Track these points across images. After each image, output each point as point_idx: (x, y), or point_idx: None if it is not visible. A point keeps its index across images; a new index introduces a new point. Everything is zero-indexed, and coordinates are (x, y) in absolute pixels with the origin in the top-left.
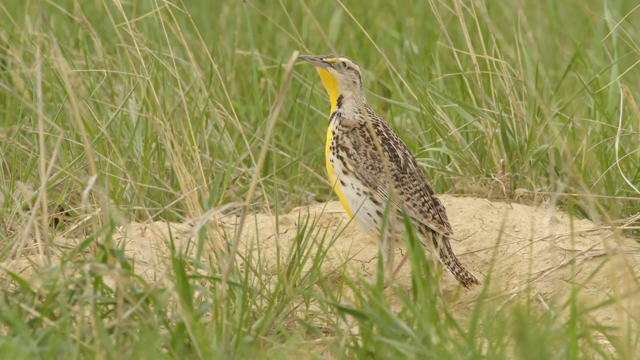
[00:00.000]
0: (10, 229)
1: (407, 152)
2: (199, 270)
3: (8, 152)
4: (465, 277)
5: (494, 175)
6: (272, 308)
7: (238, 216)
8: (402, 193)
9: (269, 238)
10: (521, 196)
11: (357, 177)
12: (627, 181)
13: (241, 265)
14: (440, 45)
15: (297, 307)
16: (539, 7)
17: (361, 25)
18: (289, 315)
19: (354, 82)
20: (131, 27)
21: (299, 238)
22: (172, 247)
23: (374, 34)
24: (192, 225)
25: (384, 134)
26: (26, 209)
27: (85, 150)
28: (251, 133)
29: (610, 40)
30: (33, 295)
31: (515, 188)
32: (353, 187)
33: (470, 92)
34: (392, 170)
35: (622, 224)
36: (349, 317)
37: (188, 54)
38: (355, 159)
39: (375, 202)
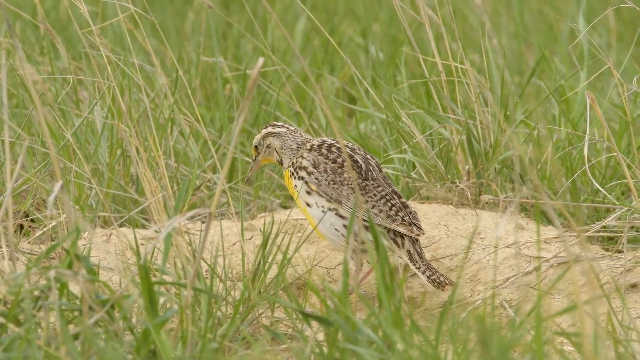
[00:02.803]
0: None
1: (368, 157)
2: (164, 277)
3: None
4: (438, 280)
5: (459, 182)
6: (237, 314)
7: (203, 222)
8: (366, 201)
9: (234, 244)
10: (486, 203)
11: (321, 195)
12: (596, 185)
13: (206, 271)
14: (406, 52)
15: (262, 313)
16: (504, 14)
17: (326, 32)
18: (254, 322)
19: (276, 139)
20: (96, 33)
21: (264, 244)
22: (138, 254)
23: (340, 40)
24: (157, 232)
25: (336, 144)
26: None
27: (51, 157)
28: (216, 139)
29: (575, 47)
30: None
31: (480, 195)
32: (318, 206)
33: (435, 98)
34: (351, 180)
35: (587, 231)
36: (314, 324)
37: (153, 60)
38: (316, 177)
39: (341, 216)
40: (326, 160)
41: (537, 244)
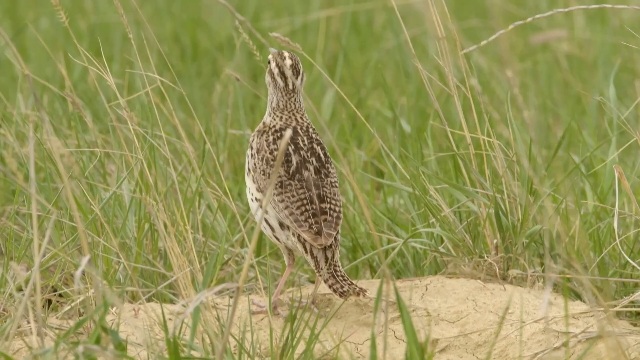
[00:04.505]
0: (4, 309)
1: (320, 154)
2: (193, 352)
3: (1, 233)
4: (341, 289)
5: (487, 256)
6: None
7: (231, 297)
8: (282, 200)
9: (262, 319)
10: (514, 277)
11: (253, 181)
12: (626, 257)
13: (234, 346)
14: (434, 125)
15: None
16: (532, 88)
17: (353, 105)
18: None
19: (271, 81)
20: (123, 105)
21: (292, 320)
22: (166, 329)
23: (367, 113)
24: (185, 307)
25: (295, 139)
26: (19, 289)
27: (79, 231)
28: (244, 213)
29: (603, 120)
30: None
31: (508, 269)
32: (250, 191)
33: (463, 171)
34: (278, 177)
35: (616, 306)
36: None
37: (181, 133)
38: (255, 163)
39: (266, 212)
40: (267, 149)
41: (566, 319)
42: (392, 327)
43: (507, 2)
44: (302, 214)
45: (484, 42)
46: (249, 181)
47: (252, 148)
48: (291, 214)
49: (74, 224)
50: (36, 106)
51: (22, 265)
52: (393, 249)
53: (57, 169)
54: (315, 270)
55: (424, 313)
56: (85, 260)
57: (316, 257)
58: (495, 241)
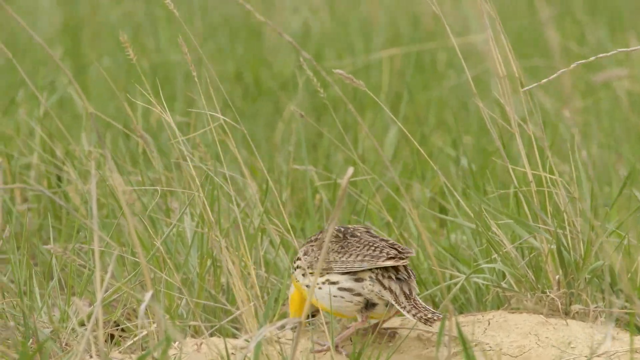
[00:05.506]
0: (66, 344)
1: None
2: None
3: (64, 268)
4: (425, 317)
5: (550, 292)
6: None
7: (294, 331)
8: (350, 255)
9: (325, 354)
10: (577, 312)
11: (304, 274)
12: None
13: None
14: (496, 162)
15: None
16: (594, 125)
17: (416, 142)
18: None
19: None
20: (186, 144)
21: (354, 356)
22: None
23: (430, 150)
24: (247, 341)
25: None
26: (82, 324)
27: (141, 266)
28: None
29: None
30: None
31: (570, 304)
32: (315, 285)
33: (525, 208)
34: (333, 245)
35: None
36: None
37: (243, 170)
38: (309, 261)
39: (333, 282)
40: (313, 244)
41: (631, 353)
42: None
43: (568, 40)
44: (374, 251)
45: (544, 80)
46: (307, 279)
47: (297, 259)
48: (365, 256)
49: (136, 259)
50: (99, 143)
51: (84, 300)
52: (455, 284)
53: (119, 204)
54: (395, 304)
55: (487, 347)
56: (149, 295)
57: (395, 292)
58: (557, 277)
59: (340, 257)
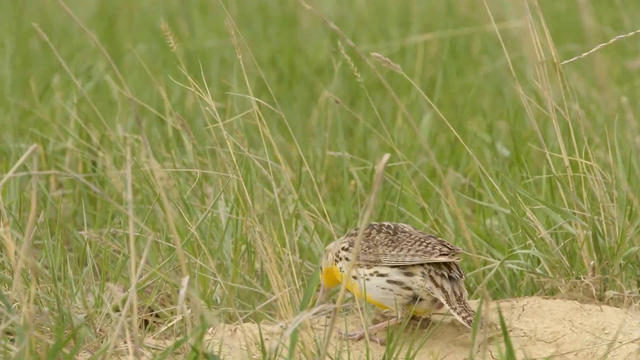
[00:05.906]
0: (100, 330)
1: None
2: None
3: (98, 254)
4: (470, 319)
5: (584, 277)
6: None
7: (328, 317)
8: (401, 249)
9: (359, 340)
10: (611, 298)
11: (361, 266)
12: None
13: None
14: (531, 147)
15: None
16: (631, 110)
17: (453, 128)
18: None
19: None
20: (223, 129)
21: (389, 339)
22: (263, 349)
23: (464, 136)
24: (283, 328)
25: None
26: (116, 310)
27: (176, 252)
28: (342, 235)
29: None
30: None
31: (605, 290)
32: (361, 276)
33: (561, 194)
34: (383, 238)
35: None
36: None
37: (278, 156)
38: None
39: (381, 275)
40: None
41: None
42: (488, 347)
43: (604, 26)
44: (426, 246)
45: (575, 58)
46: (355, 272)
47: (343, 250)
48: (417, 250)
49: (171, 245)
50: (137, 128)
51: (118, 286)
52: (490, 270)
53: (154, 190)
54: (446, 304)
55: (521, 333)
56: (185, 280)
57: (447, 291)
58: (592, 262)
59: (390, 251)
